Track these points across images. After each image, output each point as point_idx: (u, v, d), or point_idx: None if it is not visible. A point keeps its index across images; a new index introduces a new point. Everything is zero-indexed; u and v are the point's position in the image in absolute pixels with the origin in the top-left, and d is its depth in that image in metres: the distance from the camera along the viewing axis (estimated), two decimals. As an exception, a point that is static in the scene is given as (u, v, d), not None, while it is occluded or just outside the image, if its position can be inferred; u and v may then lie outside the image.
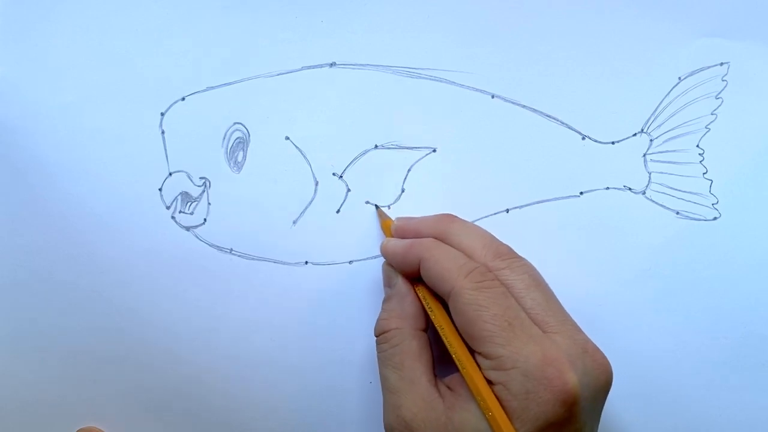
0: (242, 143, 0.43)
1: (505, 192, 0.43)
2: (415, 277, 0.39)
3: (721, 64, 0.43)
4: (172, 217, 0.43)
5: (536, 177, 0.43)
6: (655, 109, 0.43)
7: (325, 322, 0.43)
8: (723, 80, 0.43)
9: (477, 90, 0.43)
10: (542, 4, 0.43)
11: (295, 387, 0.43)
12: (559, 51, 0.43)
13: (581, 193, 0.43)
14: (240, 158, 0.43)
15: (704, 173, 0.43)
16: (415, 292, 0.39)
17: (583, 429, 0.35)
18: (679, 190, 0.43)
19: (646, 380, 0.43)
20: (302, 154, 0.43)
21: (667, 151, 0.44)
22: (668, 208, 0.43)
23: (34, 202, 0.42)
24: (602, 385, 0.35)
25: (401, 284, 0.39)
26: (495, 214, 0.43)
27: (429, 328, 0.39)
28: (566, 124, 0.43)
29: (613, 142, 0.44)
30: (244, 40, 0.43)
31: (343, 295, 0.43)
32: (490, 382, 0.35)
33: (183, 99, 0.43)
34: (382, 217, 0.43)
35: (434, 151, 0.43)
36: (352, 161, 0.43)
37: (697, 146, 0.43)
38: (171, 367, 0.43)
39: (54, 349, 0.43)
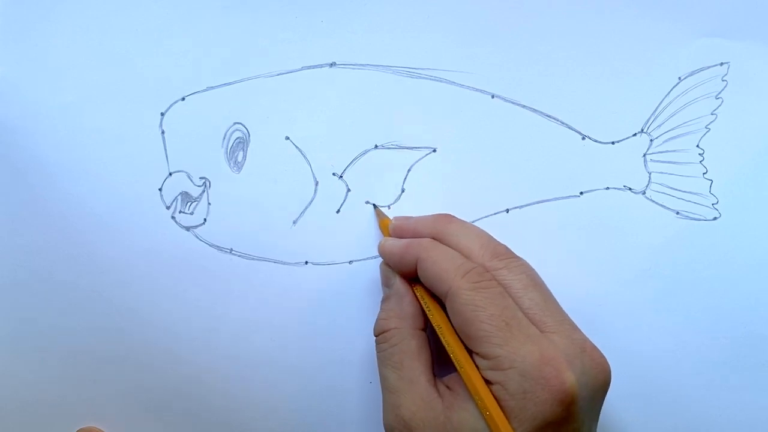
0: (242, 143, 0.43)
1: (505, 192, 0.43)
2: (413, 277, 0.39)
3: (721, 64, 0.43)
4: (172, 217, 0.43)
5: (536, 177, 0.43)
6: (655, 109, 0.43)
7: (325, 322, 0.43)
8: (723, 80, 0.43)
9: (477, 90, 0.43)
10: (542, 4, 0.43)
11: (295, 387, 0.43)
12: (559, 51, 0.43)
13: (581, 193, 0.43)
14: (240, 158, 0.43)
15: (704, 173, 0.43)
16: (414, 291, 0.39)
17: (581, 428, 0.34)
18: (679, 190, 0.43)
19: (645, 380, 0.43)
20: (302, 154, 0.43)
21: (667, 151, 0.43)
22: (668, 208, 0.43)
23: (34, 202, 0.42)
24: (600, 385, 0.35)
25: (399, 284, 0.39)
26: (495, 214, 0.43)
27: (428, 328, 0.39)
28: (566, 124, 0.43)
29: (613, 142, 0.43)
30: (244, 40, 0.43)
31: (343, 295, 0.43)
32: (488, 382, 0.35)
33: (183, 99, 0.43)
34: (380, 216, 0.43)
35: (434, 151, 0.43)
36: (352, 161, 0.43)
37: (697, 146, 0.43)
38: (171, 367, 0.43)
39: (54, 349, 0.43)
